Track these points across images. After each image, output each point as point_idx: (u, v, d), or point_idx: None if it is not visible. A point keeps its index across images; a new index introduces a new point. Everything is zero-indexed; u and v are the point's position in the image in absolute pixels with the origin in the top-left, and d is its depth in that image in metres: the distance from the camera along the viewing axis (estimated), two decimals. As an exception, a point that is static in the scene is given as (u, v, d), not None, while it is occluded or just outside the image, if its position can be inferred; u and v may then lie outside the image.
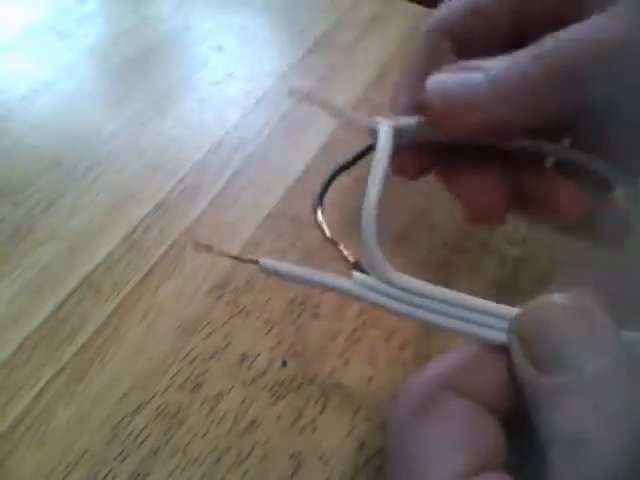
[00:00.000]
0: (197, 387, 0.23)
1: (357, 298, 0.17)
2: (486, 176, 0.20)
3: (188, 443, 0.22)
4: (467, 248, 0.28)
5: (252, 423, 0.22)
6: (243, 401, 0.23)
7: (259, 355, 0.24)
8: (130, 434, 0.22)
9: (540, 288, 0.27)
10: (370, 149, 0.20)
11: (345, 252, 0.19)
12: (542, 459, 0.15)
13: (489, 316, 0.17)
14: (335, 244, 0.19)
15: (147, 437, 0.22)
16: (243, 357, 0.24)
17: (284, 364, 0.24)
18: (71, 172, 0.31)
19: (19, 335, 0.25)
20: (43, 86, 0.36)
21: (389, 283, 0.17)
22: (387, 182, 0.17)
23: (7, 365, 0.24)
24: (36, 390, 0.23)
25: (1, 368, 0.24)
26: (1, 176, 0.31)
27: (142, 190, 0.30)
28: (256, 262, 0.18)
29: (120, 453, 0.21)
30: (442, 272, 0.27)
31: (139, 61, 0.38)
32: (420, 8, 0.44)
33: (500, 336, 0.17)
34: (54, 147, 0.33)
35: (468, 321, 0.17)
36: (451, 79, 0.18)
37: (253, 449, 0.22)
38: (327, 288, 0.18)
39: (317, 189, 0.20)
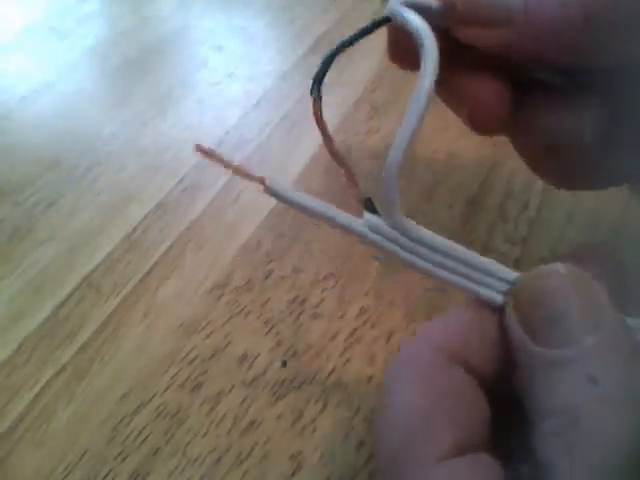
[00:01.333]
0: (197, 387, 0.23)
1: (363, 240, 0.16)
2: (488, 76, 0.19)
3: (188, 443, 0.22)
4: (467, 247, 0.28)
5: (252, 423, 0.22)
6: (243, 401, 0.23)
7: (259, 355, 0.24)
8: (130, 434, 0.22)
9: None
10: (379, 25, 0.18)
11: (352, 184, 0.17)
12: (529, 434, 0.14)
13: (492, 277, 0.16)
14: (340, 161, 0.17)
15: (147, 437, 0.22)
16: (243, 357, 0.24)
17: (284, 364, 0.24)
18: (71, 172, 0.31)
19: (19, 335, 0.25)
20: (43, 86, 0.36)
21: (399, 228, 0.16)
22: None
23: (7, 365, 0.24)
24: (36, 390, 0.23)
25: (1, 368, 0.24)
26: (1, 176, 0.31)
27: (142, 190, 0.30)
28: (262, 181, 0.16)
29: (120, 453, 0.21)
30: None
31: (139, 61, 0.38)
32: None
33: (500, 298, 0.16)
34: (54, 147, 0.33)
35: (471, 279, 0.16)
36: None
37: (253, 449, 0.22)
38: (334, 224, 0.17)
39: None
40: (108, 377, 0.23)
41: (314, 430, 0.22)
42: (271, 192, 0.16)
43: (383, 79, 0.37)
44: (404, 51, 0.18)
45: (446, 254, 0.16)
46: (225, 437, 0.22)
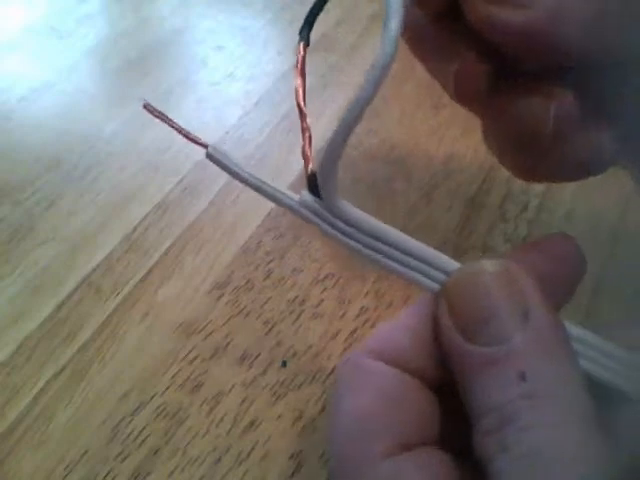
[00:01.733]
0: (197, 387, 0.23)
1: (302, 219, 0.16)
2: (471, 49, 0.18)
3: (188, 443, 0.22)
4: (467, 248, 0.28)
5: (252, 423, 0.22)
6: (243, 401, 0.23)
7: (259, 355, 0.24)
8: (130, 434, 0.22)
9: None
10: None
11: (308, 152, 0.16)
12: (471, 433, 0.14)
13: (432, 266, 0.16)
14: (302, 114, 0.16)
15: (147, 437, 0.22)
16: (243, 357, 0.24)
17: (284, 364, 0.24)
18: (71, 172, 0.31)
19: (19, 335, 0.25)
20: (43, 86, 0.36)
21: (335, 213, 0.16)
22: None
23: (7, 365, 0.24)
24: (36, 390, 0.23)
25: (1, 368, 0.24)
26: (1, 176, 0.31)
27: (142, 190, 0.30)
28: (205, 146, 0.17)
29: (120, 453, 0.21)
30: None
31: (139, 61, 0.38)
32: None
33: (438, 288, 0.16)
34: (54, 147, 0.33)
35: (410, 267, 0.16)
36: None
37: (253, 449, 0.22)
38: (270, 198, 0.17)
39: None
40: (108, 377, 0.23)
41: (314, 430, 0.22)
42: (212, 159, 0.17)
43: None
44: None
45: (386, 240, 0.16)
46: (225, 437, 0.22)
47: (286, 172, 0.31)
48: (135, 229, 0.29)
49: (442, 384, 0.16)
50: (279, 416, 0.22)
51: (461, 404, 0.15)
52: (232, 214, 0.29)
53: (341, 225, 0.16)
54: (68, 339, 0.24)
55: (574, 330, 0.16)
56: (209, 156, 0.17)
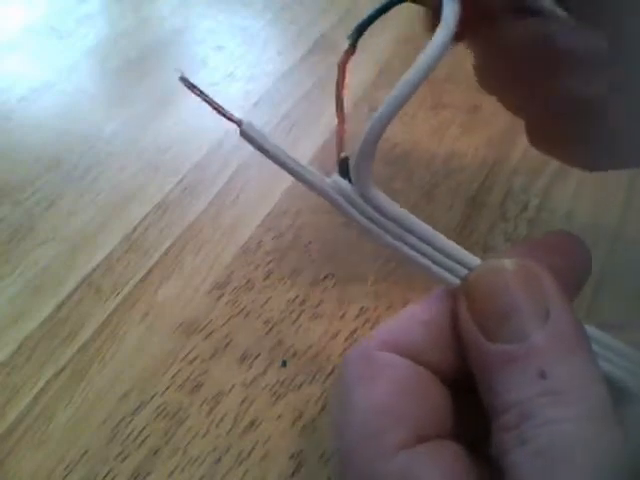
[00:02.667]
0: (197, 387, 0.23)
1: (330, 203, 0.16)
2: None
3: (188, 443, 0.22)
4: (467, 248, 0.28)
5: (252, 423, 0.22)
6: (243, 401, 0.23)
7: (259, 355, 0.24)
8: (130, 434, 0.22)
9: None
10: None
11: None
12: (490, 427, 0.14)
13: (454, 260, 0.16)
14: (341, 111, 0.16)
15: (147, 437, 0.22)
16: (243, 357, 0.24)
17: (284, 364, 0.24)
18: (71, 172, 0.31)
19: (19, 335, 0.25)
20: (43, 86, 0.36)
21: (366, 198, 0.16)
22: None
23: (7, 365, 0.24)
24: (36, 390, 0.23)
25: (1, 368, 0.24)
26: (1, 176, 0.31)
27: (142, 190, 0.30)
28: (239, 123, 0.17)
29: (120, 453, 0.21)
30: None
31: (139, 61, 0.38)
32: (420, 9, 0.44)
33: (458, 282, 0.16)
34: (54, 147, 0.33)
35: (435, 261, 0.16)
36: None
37: (253, 449, 0.22)
38: (301, 180, 0.16)
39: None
40: (108, 377, 0.23)
41: (314, 430, 0.22)
42: (246, 137, 0.17)
43: (383, 79, 0.37)
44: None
45: (411, 230, 0.16)
46: (225, 437, 0.22)
47: (286, 173, 0.31)
48: (135, 229, 0.29)
49: (456, 378, 0.16)
50: (279, 416, 0.22)
51: (475, 398, 0.15)
52: (232, 214, 0.29)
53: (370, 211, 0.16)
54: (68, 339, 0.24)
55: (588, 329, 0.16)
56: (243, 133, 0.17)
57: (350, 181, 0.16)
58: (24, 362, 0.24)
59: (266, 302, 0.26)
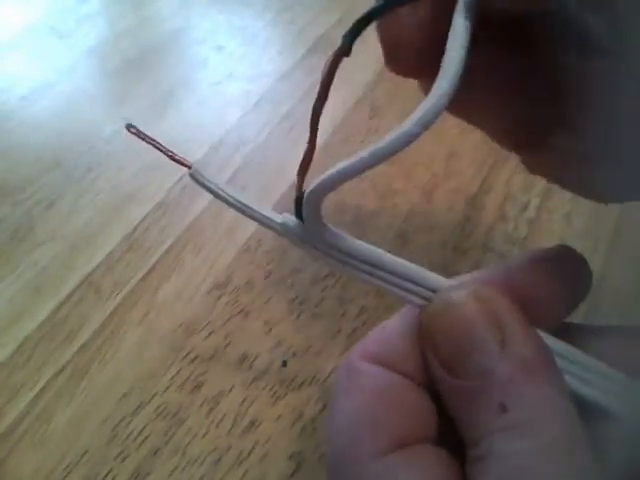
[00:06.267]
0: (197, 387, 0.23)
1: (287, 239, 0.17)
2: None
3: (188, 443, 0.22)
4: (467, 248, 0.28)
5: (252, 423, 0.22)
6: (243, 401, 0.23)
7: (259, 355, 0.24)
8: (130, 434, 0.22)
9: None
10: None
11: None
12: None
13: (418, 285, 0.16)
14: (314, 133, 0.15)
15: (147, 437, 0.22)
16: (243, 357, 0.24)
17: (284, 364, 0.24)
18: (71, 172, 0.31)
19: (19, 335, 0.25)
20: (43, 86, 0.36)
21: (317, 237, 0.16)
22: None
23: (7, 365, 0.24)
24: (36, 390, 0.23)
25: (1, 368, 0.24)
26: (1, 176, 0.31)
27: (142, 190, 0.30)
28: (189, 167, 0.17)
29: (120, 453, 0.21)
30: (442, 272, 0.27)
31: (139, 61, 0.38)
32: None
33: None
34: (54, 147, 0.33)
35: (399, 286, 0.16)
36: None
37: (253, 449, 0.22)
38: (253, 219, 0.17)
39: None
40: (108, 377, 0.23)
41: (314, 430, 0.22)
42: (195, 179, 0.17)
43: (383, 79, 0.37)
44: (407, 53, 0.16)
45: (370, 261, 0.16)
46: (225, 437, 0.22)
47: (286, 172, 0.31)
48: (135, 229, 0.29)
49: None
50: (279, 416, 0.22)
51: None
52: (232, 214, 0.29)
53: (322, 247, 0.16)
54: (68, 339, 0.24)
55: (557, 345, 0.15)
56: (192, 177, 0.17)
57: (302, 219, 0.16)
58: (24, 362, 0.24)
59: (266, 302, 0.26)
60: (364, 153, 0.14)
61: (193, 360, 0.24)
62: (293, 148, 0.33)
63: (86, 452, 0.21)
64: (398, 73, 0.17)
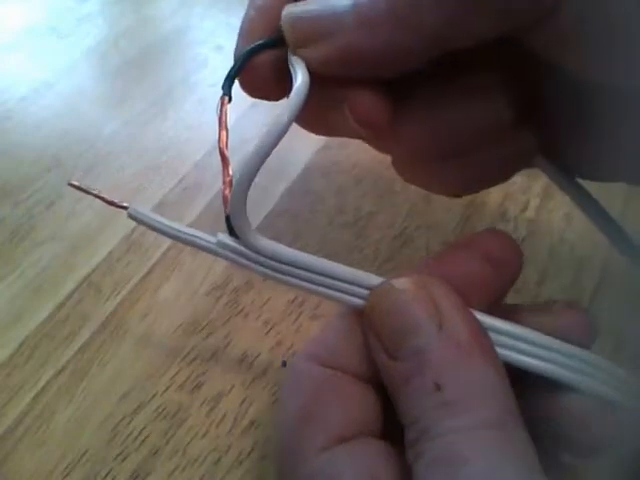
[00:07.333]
0: (197, 387, 0.23)
1: (224, 259, 0.17)
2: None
3: (188, 443, 0.22)
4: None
5: (252, 423, 0.22)
6: (243, 401, 0.23)
7: (259, 355, 0.24)
8: (130, 434, 0.22)
9: (540, 288, 0.27)
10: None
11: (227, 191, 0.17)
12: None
13: (354, 285, 0.17)
14: (225, 161, 0.18)
15: (147, 437, 0.22)
16: (243, 357, 0.24)
17: (284, 364, 0.24)
18: (71, 172, 0.31)
19: (19, 335, 0.25)
20: (43, 86, 0.36)
21: (254, 249, 0.17)
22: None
23: (7, 365, 0.24)
24: (36, 390, 0.23)
25: (1, 368, 0.24)
26: (1, 176, 0.31)
27: (142, 190, 0.30)
28: (126, 208, 0.19)
29: (120, 453, 0.21)
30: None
31: (139, 61, 0.38)
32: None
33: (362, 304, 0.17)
34: (54, 147, 0.33)
35: (336, 288, 0.17)
36: (312, 6, 0.17)
37: (253, 449, 0.22)
38: (191, 245, 0.18)
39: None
40: (108, 377, 0.23)
41: (314, 430, 0.22)
42: (133, 217, 0.19)
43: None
44: (264, 80, 0.20)
45: (305, 267, 0.17)
46: (225, 437, 0.22)
47: (285, 173, 0.31)
48: (135, 229, 0.29)
49: (380, 379, 0.16)
50: (279, 416, 0.22)
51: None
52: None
53: (261, 259, 0.17)
54: (68, 339, 0.24)
55: (494, 322, 0.16)
56: (130, 216, 0.19)
57: (237, 236, 0.17)
58: (24, 362, 0.24)
59: (266, 302, 0.26)
60: (251, 150, 0.17)
61: (193, 360, 0.24)
62: (292, 149, 0.33)
63: (86, 452, 0.21)
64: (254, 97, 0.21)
